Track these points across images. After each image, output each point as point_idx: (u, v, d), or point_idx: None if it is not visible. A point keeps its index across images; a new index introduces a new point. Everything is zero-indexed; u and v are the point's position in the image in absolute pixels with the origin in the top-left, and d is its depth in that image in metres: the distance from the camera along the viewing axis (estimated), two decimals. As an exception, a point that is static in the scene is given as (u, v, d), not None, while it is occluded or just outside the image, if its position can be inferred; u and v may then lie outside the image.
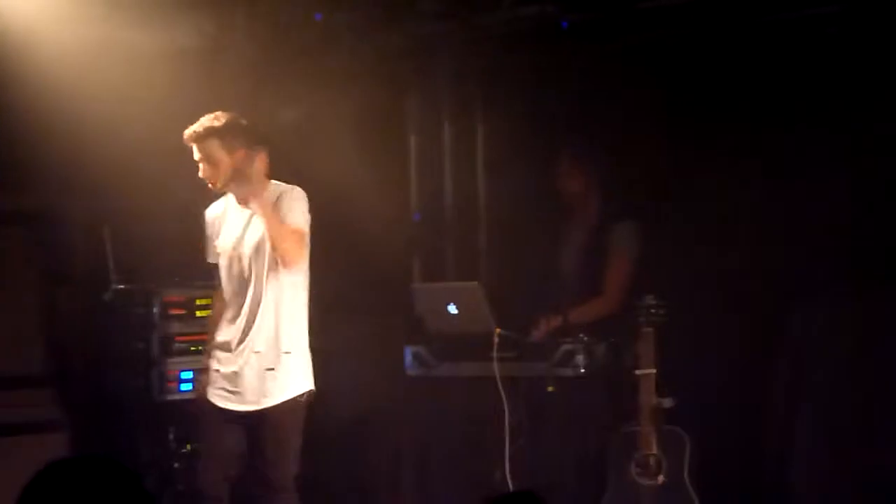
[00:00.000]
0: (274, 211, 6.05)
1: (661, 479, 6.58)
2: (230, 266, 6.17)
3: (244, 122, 6.16)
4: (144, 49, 7.12)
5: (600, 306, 7.13)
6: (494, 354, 6.84)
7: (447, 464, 7.20)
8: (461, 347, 7.06)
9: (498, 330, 6.88)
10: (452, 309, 7.03)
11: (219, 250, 6.23)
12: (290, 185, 6.19)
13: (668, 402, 6.58)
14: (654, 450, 6.59)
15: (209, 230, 6.31)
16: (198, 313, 7.20)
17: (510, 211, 8.00)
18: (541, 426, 6.91)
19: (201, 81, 7.09)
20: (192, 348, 7.14)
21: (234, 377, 6.11)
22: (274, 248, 6.04)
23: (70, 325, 7.31)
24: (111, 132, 6.97)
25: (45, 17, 6.80)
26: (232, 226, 6.22)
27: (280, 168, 6.22)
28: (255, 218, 6.13)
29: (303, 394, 6.13)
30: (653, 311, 6.57)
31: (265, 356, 6.09)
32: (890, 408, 6.64)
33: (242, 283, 6.12)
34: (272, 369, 6.09)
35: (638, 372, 6.59)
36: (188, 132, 6.09)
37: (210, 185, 6.15)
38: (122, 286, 7.21)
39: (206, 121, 6.08)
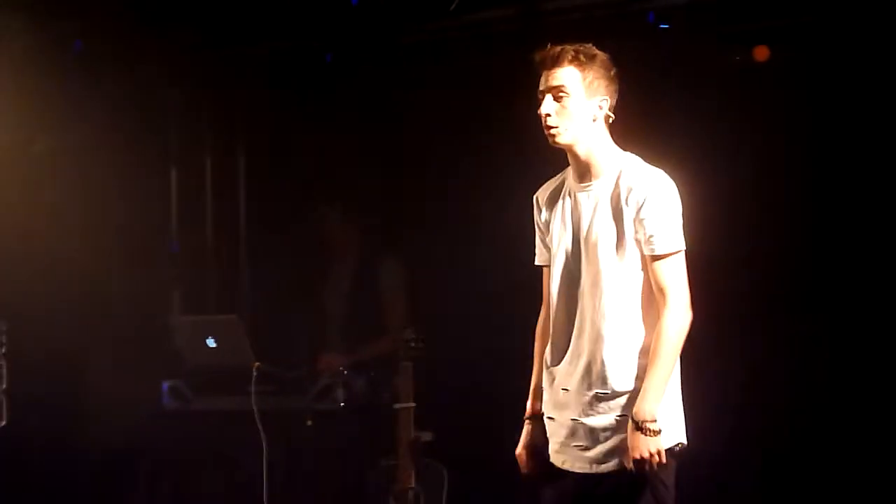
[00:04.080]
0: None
1: (419, 512, 6.61)
2: (557, 268, 4.38)
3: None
4: None
5: (389, 344, 7.03)
6: (252, 388, 6.78)
7: (207, 501, 7.11)
8: (220, 381, 6.99)
9: (256, 364, 6.82)
10: (211, 342, 6.96)
11: (554, 247, 4.40)
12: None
13: (426, 436, 6.61)
14: (413, 483, 6.60)
15: (541, 217, 4.47)
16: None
17: (273, 245, 7.97)
18: (299, 461, 6.87)
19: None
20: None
21: (575, 426, 4.35)
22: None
23: None
24: None
25: None
26: (566, 212, 4.40)
27: (32, 198, 6.08)
28: (597, 204, 4.32)
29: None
30: (412, 344, 6.58)
31: (611, 396, 4.30)
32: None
33: (575, 294, 4.34)
34: (623, 416, 4.28)
35: (396, 406, 6.59)
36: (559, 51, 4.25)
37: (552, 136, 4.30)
38: None
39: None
